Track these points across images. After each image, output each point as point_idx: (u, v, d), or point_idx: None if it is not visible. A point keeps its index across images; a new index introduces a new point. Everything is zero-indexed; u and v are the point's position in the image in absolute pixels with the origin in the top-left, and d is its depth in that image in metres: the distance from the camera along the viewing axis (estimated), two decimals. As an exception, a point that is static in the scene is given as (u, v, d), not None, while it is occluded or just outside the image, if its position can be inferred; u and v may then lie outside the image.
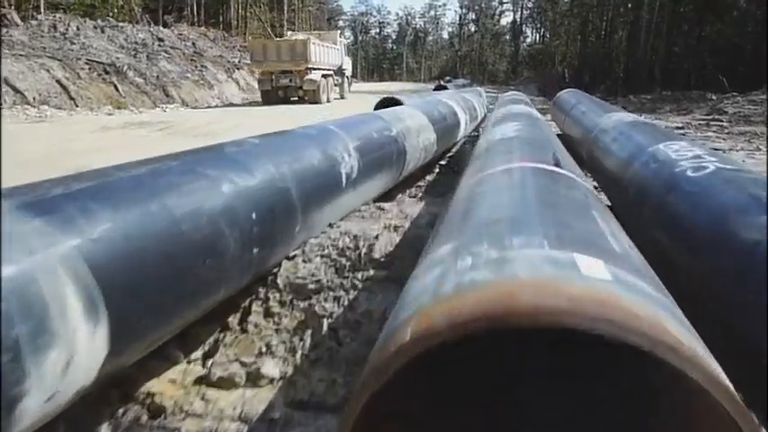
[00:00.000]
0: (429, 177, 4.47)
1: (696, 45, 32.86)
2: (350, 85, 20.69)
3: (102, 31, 15.40)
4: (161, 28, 18.96)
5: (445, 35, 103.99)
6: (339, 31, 22.41)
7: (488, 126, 3.98)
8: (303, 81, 15.07)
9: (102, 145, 5.44)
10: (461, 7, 71.68)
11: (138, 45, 16.09)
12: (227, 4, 31.84)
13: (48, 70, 10.99)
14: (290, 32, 21.40)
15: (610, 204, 2.58)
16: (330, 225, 2.43)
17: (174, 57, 16.28)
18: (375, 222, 2.64)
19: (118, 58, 14.02)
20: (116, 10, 20.23)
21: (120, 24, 16.99)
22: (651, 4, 34.61)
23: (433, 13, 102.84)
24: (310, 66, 15.26)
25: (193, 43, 19.01)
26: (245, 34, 32.50)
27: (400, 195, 3.72)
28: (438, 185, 4.24)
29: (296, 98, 15.47)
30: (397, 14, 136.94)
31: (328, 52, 17.05)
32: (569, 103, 5.95)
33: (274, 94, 15.30)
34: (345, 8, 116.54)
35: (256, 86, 19.09)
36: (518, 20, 63.40)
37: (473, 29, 73.77)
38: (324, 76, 16.05)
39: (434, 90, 18.66)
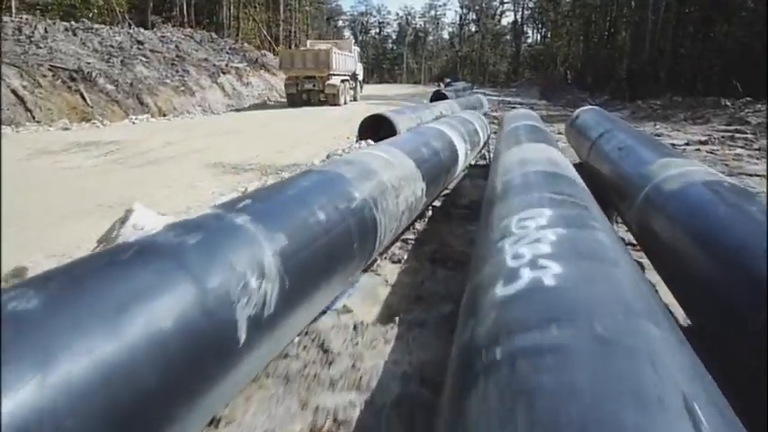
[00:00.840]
0: (409, 235, 3.16)
1: (702, 46, 31.59)
2: (361, 88, 21.89)
3: (75, 34, 14.18)
4: (142, 30, 17.75)
5: (445, 35, 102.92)
6: (354, 40, 24.35)
7: (499, 166, 2.69)
8: (325, 86, 16.76)
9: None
10: (462, 7, 70.51)
11: (114, 49, 14.89)
12: (219, 4, 30.62)
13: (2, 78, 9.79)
14: (309, 42, 22.51)
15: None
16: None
17: (152, 61, 15.09)
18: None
19: (88, 63, 12.82)
20: (96, 10, 19.04)
21: (96, 26, 15.77)
22: (657, 4, 33.43)
23: (433, 12, 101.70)
24: (331, 72, 16.90)
25: (177, 46, 17.80)
26: (237, 36, 31.30)
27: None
28: (425, 248, 2.88)
29: (317, 100, 17.05)
30: (397, 14, 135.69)
31: (345, 60, 18.52)
32: (595, 128, 4.71)
33: (299, 97, 17.13)
34: (345, 8, 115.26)
35: (243, 92, 17.96)
36: (519, 20, 62.16)
37: (473, 29, 72.64)
38: (342, 81, 17.67)
39: (432, 100, 17.70)
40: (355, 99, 19.66)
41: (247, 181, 4.59)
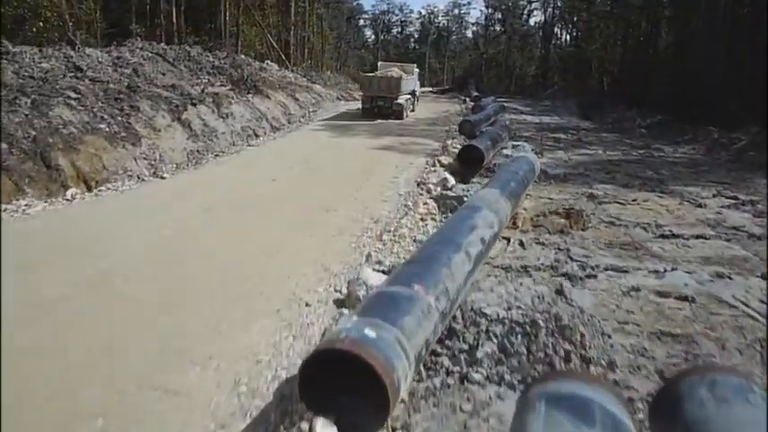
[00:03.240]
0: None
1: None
2: (417, 101, 25.27)
3: (-24, 63, 10.13)
4: (89, 50, 13.61)
5: (469, 34, 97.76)
6: (415, 65, 27.66)
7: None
8: (393, 104, 20.16)
9: None
10: (487, 7, 65.35)
11: (34, 80, 10.81)
12: (215, 8, 26.39)
13: None
14: (380, 63, 26.93)
15: None
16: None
17: (86, 96, 10.95)
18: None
19: (-26, 109, 8.72)
20: (42, 23, 15.03)
21: (16, 49, 11.70)
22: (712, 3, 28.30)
23: (456, 11, 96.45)
24: (399, 93, 20.43)
25: (135, 69, 13.65)
26: (236, 44, 27.05)
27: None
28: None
29: (386, 114, 20.12)
30: (420, 13, 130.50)
31: (408, 82, 21.74)
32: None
33: (371, 111, 20.31)
34: (366, 6, 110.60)
35: (219, 128, 13.80)
36: (548, 20, 56.88)
37: (498, 28, 67.49)
38: (406, 99, 21.26)
39: (461, 130, 13.80)
40: (413, 110, 23.11)
41: None
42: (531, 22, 64.43)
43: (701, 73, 27.76)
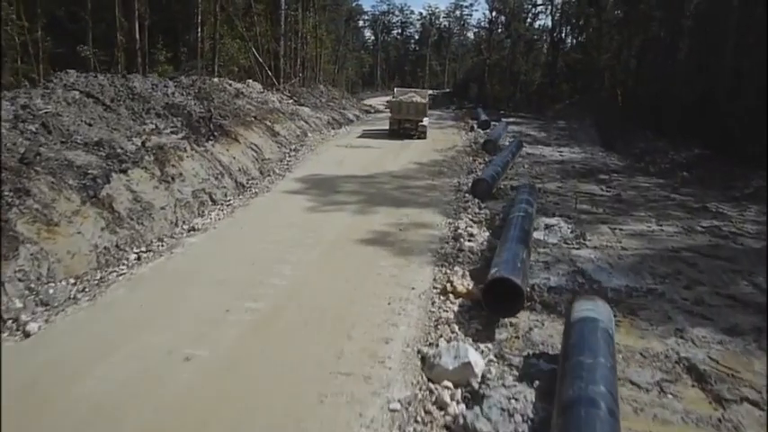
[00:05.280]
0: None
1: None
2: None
3: None
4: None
5: (471, 35, 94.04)
6: (429, 90, 33.15)
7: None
8: (418, 125, 22.17)
9: None
10: (491, 10, 61.38)
11: None
12: (193, 20, 22.61)
13: None
14: (396, 89, 26.99)
15: None
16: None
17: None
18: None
19: None
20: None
21: None
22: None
23: (458, 12, 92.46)
24: (424, 116, 22.52)
25: (45, 124, 10.06)
26: (212, 64, 23.31)
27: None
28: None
29: (411, 135, 22.02)
30: (421, 14, 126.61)
31: (426, 105, 23.10)
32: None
33: (397, 133, 22.09)
34: (366, 7, 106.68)
35: (157, 202, 10.23)
36: (556, 27, 52.99)
37: (500, 31, 63.61)
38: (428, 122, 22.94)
39: (474, 193, 10.57)
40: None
41: None
42: (536, 25, 60.59)
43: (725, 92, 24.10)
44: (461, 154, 17.96)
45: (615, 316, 7.03)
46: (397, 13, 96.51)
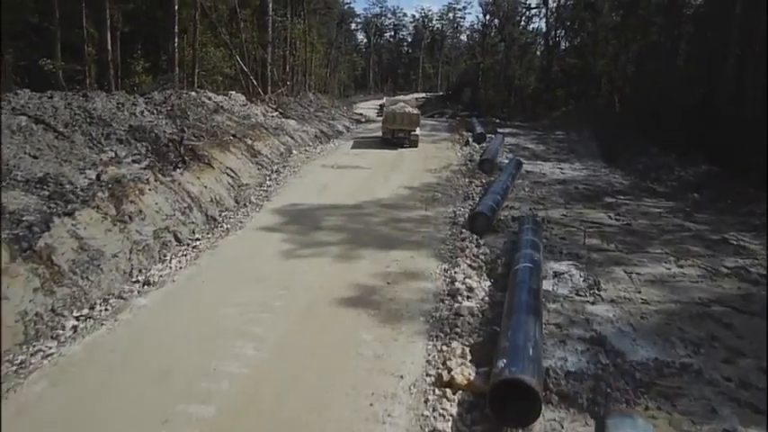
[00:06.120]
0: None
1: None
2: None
3: None
4: None
5: (464, 38, 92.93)
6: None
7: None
8: (411, 135, 22.37)
9: None
10: (485, 14, 60.14)
11: None
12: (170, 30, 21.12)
13: None
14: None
15: None
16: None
17: None
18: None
19: None
20: None
21: None
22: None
23: (451, 15, 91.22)
24: (417, 126, 22.71)
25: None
26: (192, 76, 21.85)
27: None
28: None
29: (403, 144, 22.34)
30: (414, 17, 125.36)
31: (419, 116, 23.54)
32: None
33: (389, 141, 22.45)
34: (358, 10, 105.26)
35: (109, 249, 8.83)
36: (551, 31, 51.77)
37: (494, 35, 62.41)
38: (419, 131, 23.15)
39: (471, 228, 9.08)
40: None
41: None
42: (530, 27, 59.34)
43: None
44: (456, 174, 16.55)
45: (647, 408, 5.73)
46: (389, 15, 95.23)
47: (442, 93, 76.43)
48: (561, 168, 19.35)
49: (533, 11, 57.39)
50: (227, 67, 26.69)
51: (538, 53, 58.73)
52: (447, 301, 7.72)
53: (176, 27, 20.09)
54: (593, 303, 8.25)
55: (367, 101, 62.22)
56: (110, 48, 18.50)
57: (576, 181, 17.26)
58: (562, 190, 15.83)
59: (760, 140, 17.50)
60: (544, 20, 54.07)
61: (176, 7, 19.79)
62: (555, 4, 51.19)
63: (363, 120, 34.09)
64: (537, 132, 29.59)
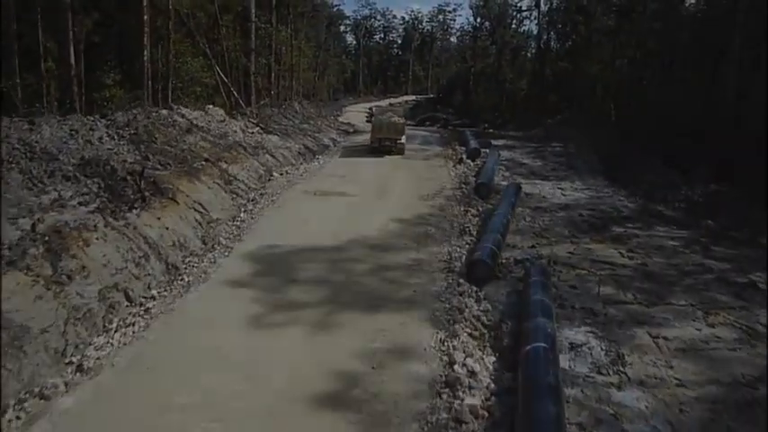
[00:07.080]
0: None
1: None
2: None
3: None
4: None
5: (453, 40, 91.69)
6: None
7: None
8: (396, 143, 23.43)
9: None
10: (476, 17, 58.85)
11: None
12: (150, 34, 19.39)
13: None
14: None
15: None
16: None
17: None
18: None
19: None
20: None
21: None
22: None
23: (441, 17, 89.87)
24: (402, 135, 23.76)
25: None
26: (165, 90, 20.21)
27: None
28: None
29: (390, 151, 23.27)
30: (403, 18, 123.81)
31: (404, 125, 24.60)
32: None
33: (377, 149, 23.32)
34: (347, 11, 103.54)
35: (42, 320, 7.18)
36: (543, 35, 50.50)
37: (485, 38, 61.12)
38: (405, 139, 24.14)
39: (469, 278, 8.19)
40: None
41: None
42: (521, 30, 58.08)
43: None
44: (451, 201, 15.03)
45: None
46: (379, 17, 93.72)
47: (432, 95, 74.98)
48: (562, 189, 17.92)
49: (525, 13, 56.21)
50: (208, 77, 25.03)
51: (529, 56, 57.51)
52: (445, 396, 6.25)
53: (146, 38, 18.40)
54: (619, 388, 6.81)
55: (357, 104, 60.59)
56: (73, 62, 16.81)
57: (579, 205, 15.83)
58: (566, 218, 14.40)
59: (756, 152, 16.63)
60: (536, 22, 52.90)
61: (146, 17, 18.10)
62: (546, 8, 50.00)
63: (351, 131, 32.45)
64: (532, 145, 28.15)
